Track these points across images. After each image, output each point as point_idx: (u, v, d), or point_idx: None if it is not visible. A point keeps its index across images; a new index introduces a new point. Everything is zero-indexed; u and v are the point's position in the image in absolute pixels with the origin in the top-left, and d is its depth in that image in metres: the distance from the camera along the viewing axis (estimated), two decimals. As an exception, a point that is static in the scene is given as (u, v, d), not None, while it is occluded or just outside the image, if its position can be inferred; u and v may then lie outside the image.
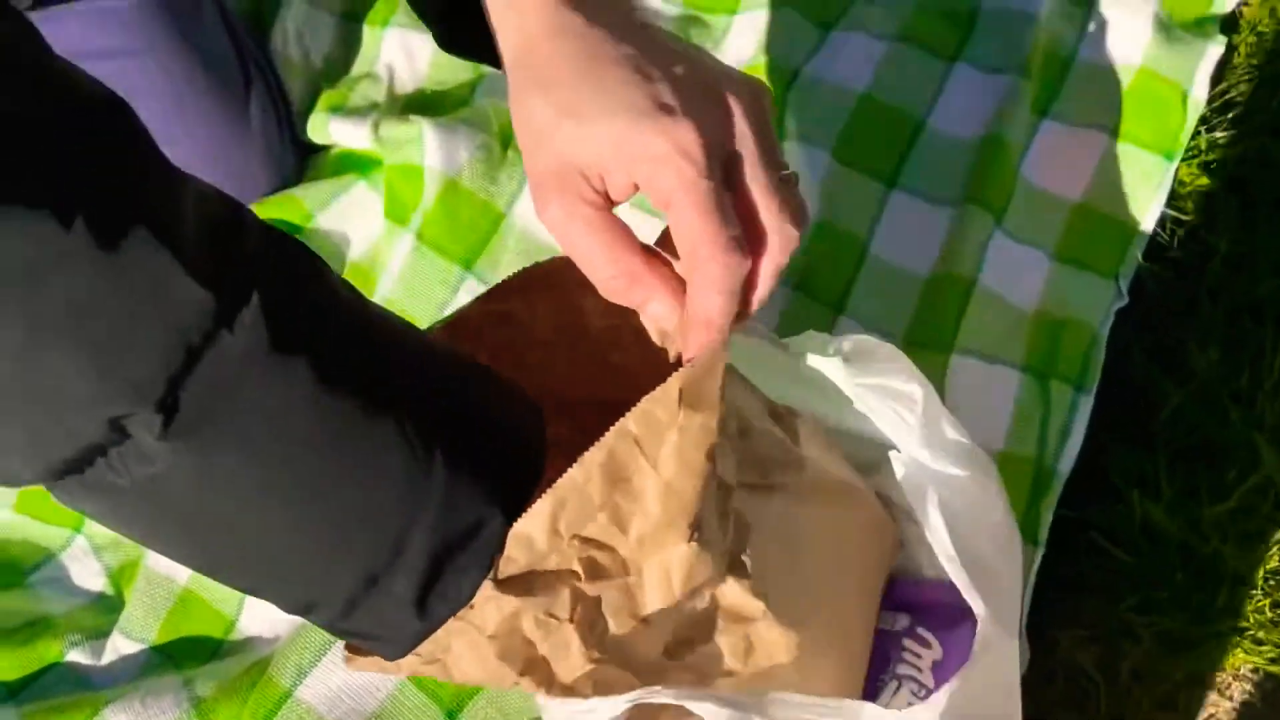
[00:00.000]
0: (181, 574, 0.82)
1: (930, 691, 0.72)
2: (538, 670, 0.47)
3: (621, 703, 0.49)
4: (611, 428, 0.43)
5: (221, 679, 0.75)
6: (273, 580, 0.43)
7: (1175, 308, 0.87)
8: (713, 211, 0.44)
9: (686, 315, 0.46)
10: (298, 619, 0.78)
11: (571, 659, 0.47)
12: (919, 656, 0.74)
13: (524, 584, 0.45)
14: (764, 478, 0.52)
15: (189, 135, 0.90)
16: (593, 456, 0.43)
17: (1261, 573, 0.78)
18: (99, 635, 0.82)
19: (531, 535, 0.44)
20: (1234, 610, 0.78)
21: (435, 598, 0.43)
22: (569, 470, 0.43)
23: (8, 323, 0.34)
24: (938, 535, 0.57)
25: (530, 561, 0.45)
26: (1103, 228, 0.87)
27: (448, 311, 0.89)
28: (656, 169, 0.44)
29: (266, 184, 0.95)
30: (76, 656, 0.81)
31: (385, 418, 0.41)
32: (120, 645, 0.81)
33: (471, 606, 0.44)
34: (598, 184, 0.46)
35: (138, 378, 0.36)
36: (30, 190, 0.33)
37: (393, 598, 0.43)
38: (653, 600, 0.47)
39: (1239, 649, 0.77)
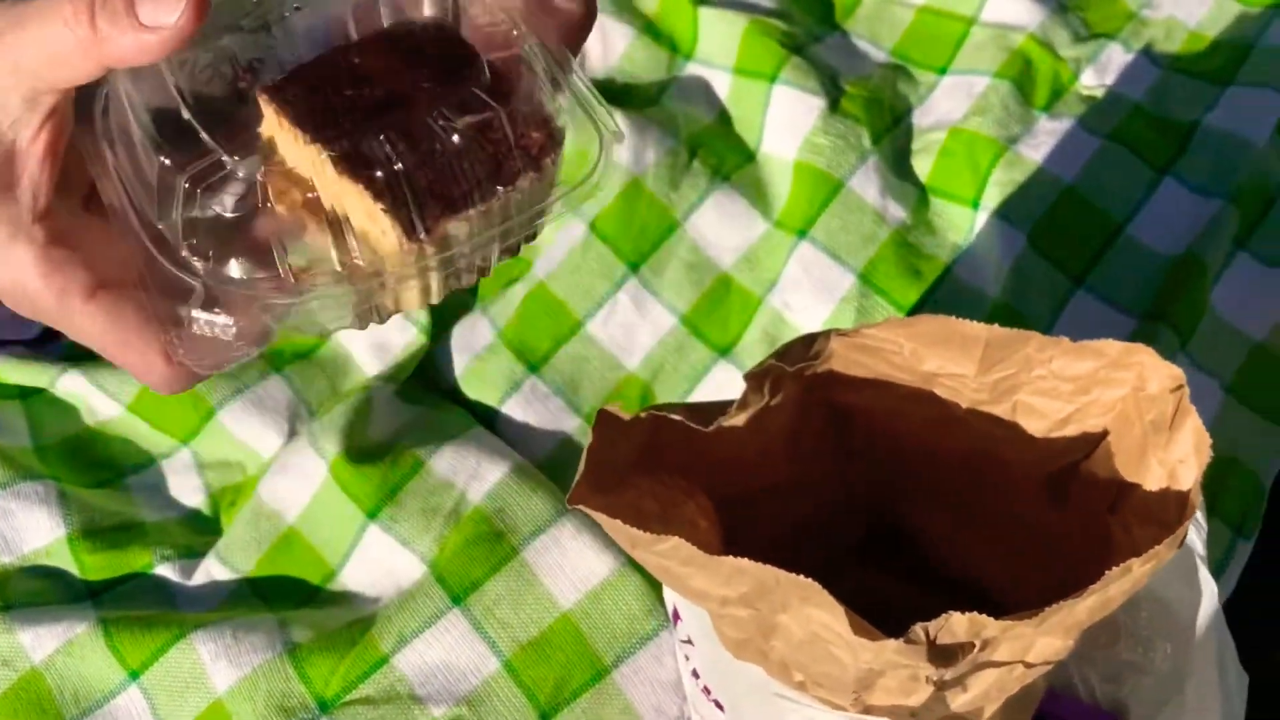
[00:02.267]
0: (291, 511, 0.78)
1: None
2: (866, 693, 0.48)
3: None
4: (1128, 563, 0.45)
5: (320, 628, 0.72)
6: None
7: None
8: None
9: None
10: (400, 580, 0.75)
11: (894, 702, 0.48)
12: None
13: (943, 653, 0.45)
14: None
15: None
16: (1084, 596, 0.46)
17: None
18: (191, 554, 0.79)
19: (998, 633, 0.45)
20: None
21: None
22: (1064, 603, 0.45)
23: None
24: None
25: (965, 639, 0.45)
26: (1279, 373, 0.84)
27: (604, 306, 0.87)
28: None
29: None
30: (165, 571, 0.78)
31: None
32: (214, 570, 0.77)
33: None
34: None
35: None
36: None
37: None
38: (988, 659, 0.47)
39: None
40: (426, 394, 0.85)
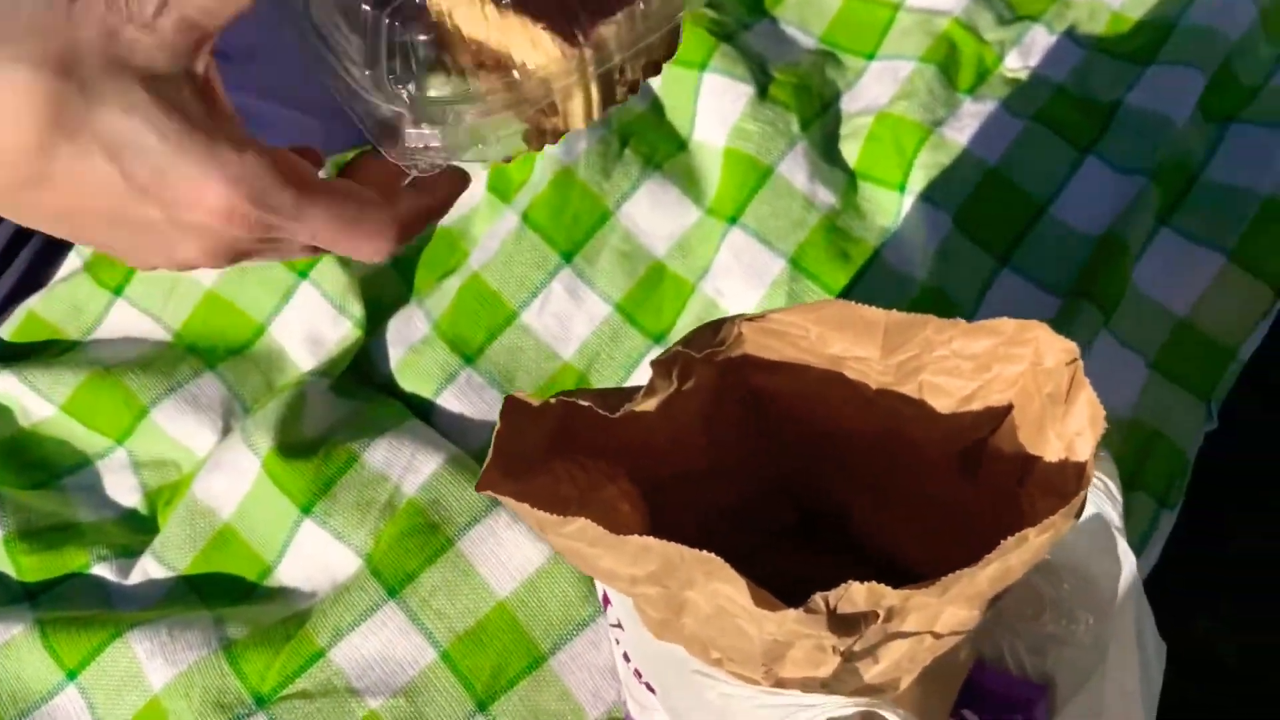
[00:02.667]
0: (225, 508, 0.78)
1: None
2: (775, 665, 0.49)
3: (849, 705, 0.50)
4: (1024, 533, 0.46)
5: (255, 624, 0.72)
6: None
7: (1262, 440, 0.85)
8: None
9: None
10: (336, 574, 0.76)
11: (805, 671, 0.48)
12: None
13: (844, 623, 0.46)
14: None
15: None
16: (982, 566, 0.46)
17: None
18: (127, 554, 0.79)
19: (899, 602, 0.46)
20: (1278, 754, 0.76)
21: None
22: (962, 572, 0.46)
23: None
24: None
25: (866, 609, 0.46)
26: (1203, 347, 0.86)
27: (539, 296, 0.87)
28: None
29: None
30: (102, 571, 0.77)
31: None
32: (150, 568, 0.77)
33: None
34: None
35: None
36: None
37: None
38: (897, 630, 0.48)
39: (1275, 794, 0.76)
40: (361, 388, 0.85)
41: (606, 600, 0.65)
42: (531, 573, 0.75)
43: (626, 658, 0.65)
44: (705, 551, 0.45)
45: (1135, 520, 0.78)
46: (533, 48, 0.47)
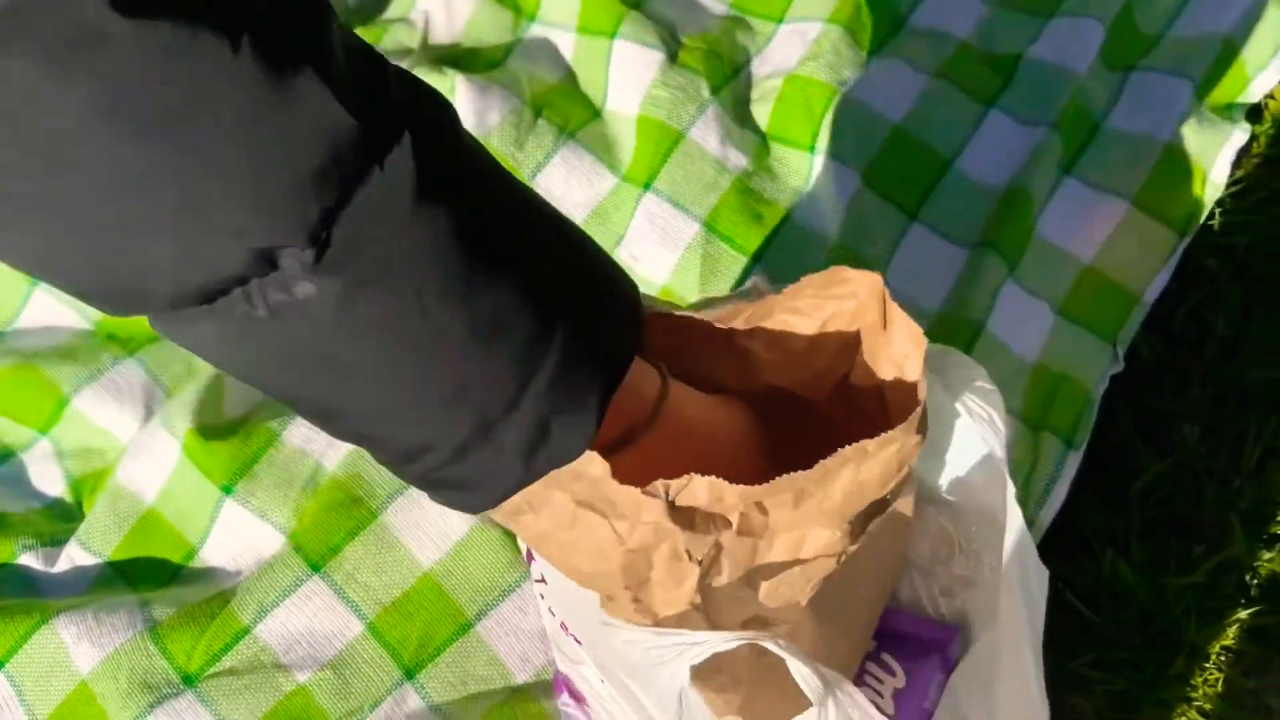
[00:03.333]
0: (148, 492, 0.79)
1: (889, 719, 0.73)
2: (643, 591, 0.49)
3: (732, 640, 0.50)
4: (861, 443, 0.48)
5: (180, 605, 0.73)
6: (389, 423, 0.43)
7: (1166, 381, 0.88)
8: None
9: None
10: (261, 552, 0.76)
11: (674, 594, 0.49)
12: (881, 682, 0.74)
13: (689, 518, 0.47)
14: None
15: None
16: (834, 461, 0.48)
17: (1217, 647, 0.79)
18: (53, 543, 0.79)
19: (737, 500, 0.47)
20: (1185, 680, 0.79)
21: (541, 451, 0.45)
22: (817, 469, 0.47)
23: (170, 141, 0.34)
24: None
25: (709, 505, 0.47)
26: (1108, 292, 0.88)
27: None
28: None
29: None
30: (28, 560, 0.78)
31: (515, 275, 0.42)
32: (75, 555, 0.78)
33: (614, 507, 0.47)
34: None
35: (294, 209, 0.36)
36: (199, 12, 0.33)
37: (503, 447, 0.44)
38: (766, 560, 0.49)
39: (1184, 718, 0.78)
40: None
41: (530, 556, 0.66)
42: (456, 541, 0.76)
43: (552, 612, 0.66)
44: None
45: (1043, 461, 0.80)
46: None
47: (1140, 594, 0.80)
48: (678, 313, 0.58)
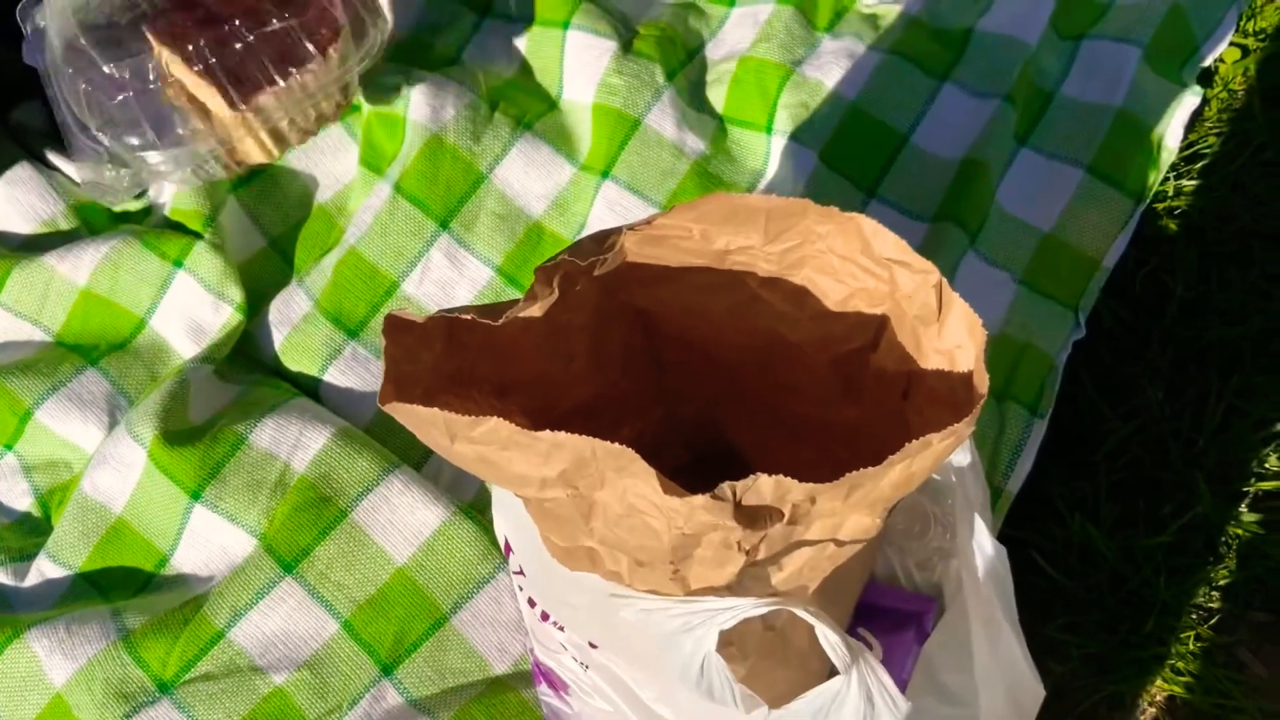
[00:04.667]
0: (116, 502, 0.79)
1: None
2: (684, 565, 0.50)
3: (763, 605, 0.51)
4: (926, 438, 0.48)
5: (152, 613, 0.73)
6: None
7: (1128, 345, 0.89)
8: None
9: None
10: (233, 556, 0.76)
11: (713, 573, 0.50)
12: (863, 656, 0.75)
13: (750, 515, 0.47)
14: None
15: None
16: (886, 466, 0.48)
17: (1188, 605, 0.81)
18: (22, 557, 0.79)
19: (804, 497, 0.47)
20: (1158, 639, 0.80)
21: None
22: (868, 470, 0.47)
23: None
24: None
25: (773, 501, 0.47)
26: (1068, 260, 0.89)
27: (418, 266, 0.88)
28: None
29: None
30: (-3, 576, 0.78)
31: None
32: (45, 569, 0.78)
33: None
34: None
35: None
36: None
37: None
38: (799, 542, 0.50)
39: (1158, 676, 0.79)
40: (246, 372, 0.86)
41: (508, 548, 0.66)
42: (428, 536, 0.76)
43: (532, 602, 0.66)
44: (616, 444, 0.46)
45: (1009, 431, 0.81)
46: (210, 104, 0.70)
47: (1110, 556, 0.81)
48: (669, 232, 0.58)
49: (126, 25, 0.70)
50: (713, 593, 0.52)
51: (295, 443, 0.78)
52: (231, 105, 0.71)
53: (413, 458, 0.80)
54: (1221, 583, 0.82)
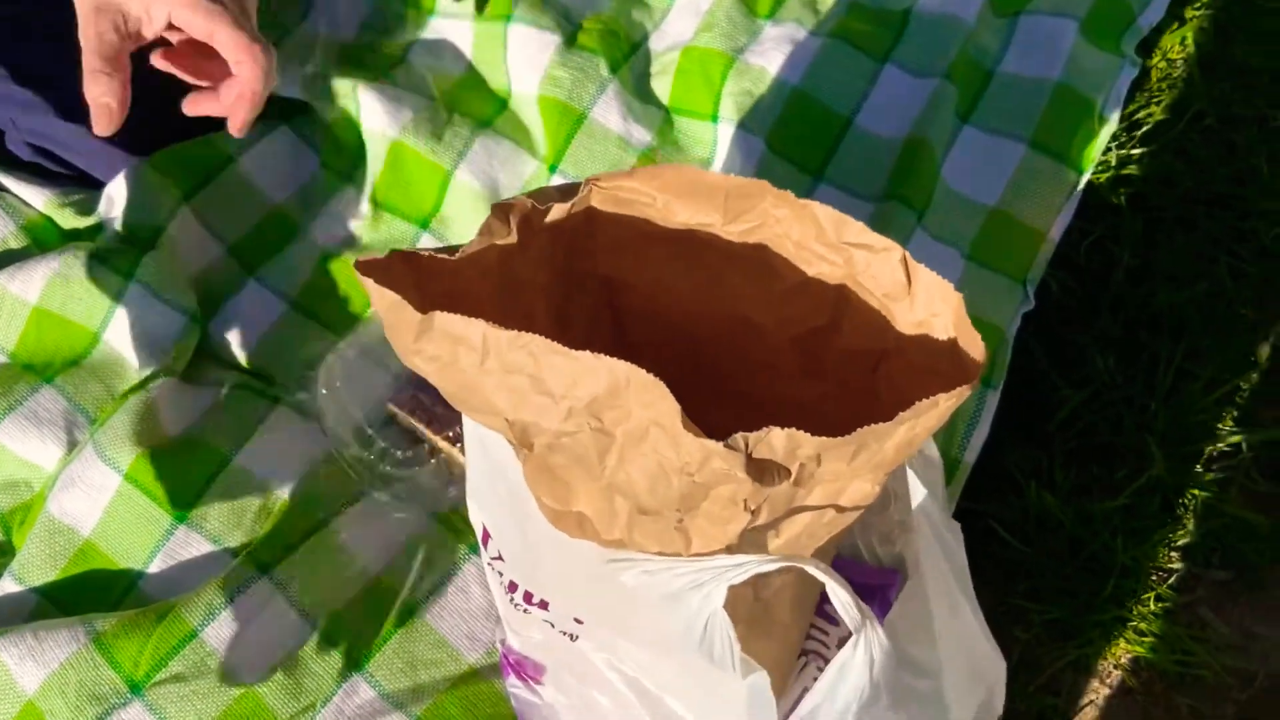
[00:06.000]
0: (85, 525, 0.81)
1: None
2: (689, 516, 0.51)
3: (773, 562, 0.53)
4: (934, 398, 0.50)
5: (123, 615, 0.75)
6: None
7: (1078, 314, 0.92)
8: (244, 29, 0.74)
9: (239, 94, 0.76)
10: (208, 574, 0.78)
11: (715, 531, 0.51)
12: (825, 633, 0.78)
13: (760, 469, 0.48)
14: None
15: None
16: (896, 424, 0.50)
17: (1147, 566, 0.84)
18: (-14, 578, 0.81)
19: (814, 452, 0.49)
20: (1119, 602, 0.83)
21: None
22: (880, 426, 0.49)
23: None
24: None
25: (783, 457, 0.49)
26: (1015, 233, 0.92)
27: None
28: (194, 13, 0.73)
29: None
30: (-38, 596, 0.79)
31: None
32: (10, 590, 0.80)
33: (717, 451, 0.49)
34: (131, 25, 0.74)
35: None
36: None
37: None
38: (799, 507, 0.52)
39: (1121, 639, 0.83)
40: (217, 373, 0.88)
41: (486, 536, 0.68)
42: (401, 544, 0.79)
43: (513, 586, 0.68)
44: (649, 374, 0.48)
45: (964, 403, 0.84)
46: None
47: (1068, 522, 0.84)
48: (634, 196, 0.60)
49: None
50: (712, 555, 0.54)
51: (281, 468, 0.81)
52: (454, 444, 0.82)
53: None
54: (1180, 543, 0.85)
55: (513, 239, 0.58)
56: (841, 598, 0.56)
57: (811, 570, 0.55)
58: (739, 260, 0.63)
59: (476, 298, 0.58)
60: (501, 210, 0.58)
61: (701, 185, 0.61)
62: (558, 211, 0.59)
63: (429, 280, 0.56)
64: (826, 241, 0.61)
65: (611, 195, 0.61)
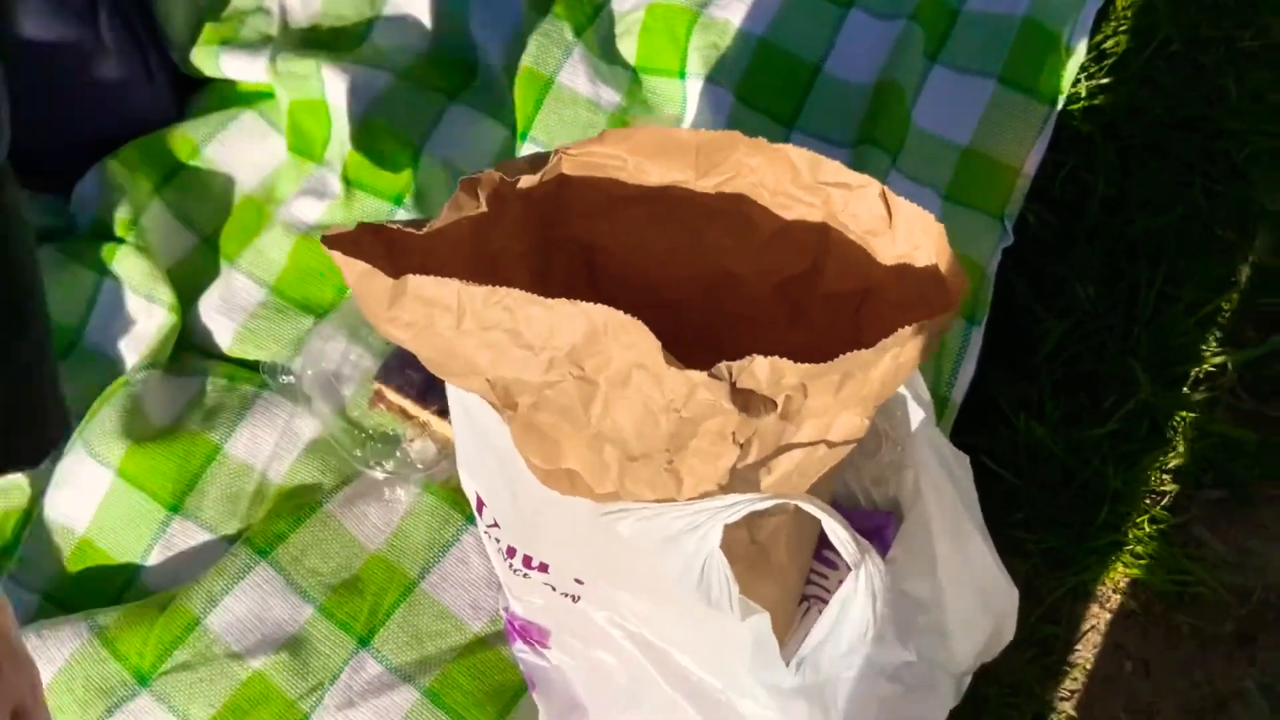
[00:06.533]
0: (79, 523, 0.82)
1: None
2: (679, 455, 0.52)
3: (766, 500, 0.54)
4: (919, 324, 0.51)
5: (125, 609, 0.76)
6: None
7: (1057, 246, 0.93)
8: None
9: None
10: (207, 563, 0.79)
11: (707, 469, 0.52)
12: (825, 578, 0.79)
13: (745, 400, 0.49)
14: None
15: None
16: (879, 351, 0.50)
17: (1140, 491, 0.85)
18: (-17, 582, 0.81)
19: (798, 381, 0.49)
20: (1114, 526, 0.85)
21: None
22: (863, 352, 0.50)
23: None
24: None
25: (767, 387, 0.49)
26: (990, 170, 0.93)
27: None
28: None
29: (136, 111, 0.96)
30: (-38, 601, 0.80)
31: None
32: (10, 592, 0.80)
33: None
34: None
35: None
36: None
37: None
38: (790, 443, 0.52)
39: (1118, 563, 0.84)
40: (199, 361, 0.89)
41: (480, 505, 0.69)
42: (397, 520, 0.80)
43: (511, 552, 0.69)
44: (625, 315, 0.49)
45: (949, 340, 0.86)
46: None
47: (1058, 452, 0.86)
48: (605, 160, 0.61)
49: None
50: (706, 496, 0.54)
51: (272, 454, 0.82)
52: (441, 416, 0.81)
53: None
54: (1171, 465, 0.87)
55: (483, 211, 0.58)
56: (839, 534, 0.57)
57: (806, 506, 0.56)
58: (716, 214, 0.64)
59: (450, 269, 0.58)
60: (470, 184, 0.58)
61: (671, 143, 0.61)
62: (528, 181, 0.60)
63: (400, 254, 0.56)
64: (803, 184, 0.62)
65: (582, 162, 0.61)
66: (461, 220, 0.58)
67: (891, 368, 0.52)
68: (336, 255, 0.52)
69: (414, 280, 0.50)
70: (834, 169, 0.61)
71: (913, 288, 0.60)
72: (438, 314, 0.51)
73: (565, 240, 0.65)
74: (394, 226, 0.55)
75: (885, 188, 0.59)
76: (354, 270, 0.51)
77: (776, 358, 0.49)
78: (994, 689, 0.79)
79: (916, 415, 0.71)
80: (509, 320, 0.50)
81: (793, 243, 0.64)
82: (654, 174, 0.62)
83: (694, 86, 0.94)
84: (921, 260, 0.59)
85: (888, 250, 0.61)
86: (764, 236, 0.64)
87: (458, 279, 0.51)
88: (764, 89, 0.94)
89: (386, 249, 0.56)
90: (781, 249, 0.65)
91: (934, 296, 0.58)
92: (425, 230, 0.56)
